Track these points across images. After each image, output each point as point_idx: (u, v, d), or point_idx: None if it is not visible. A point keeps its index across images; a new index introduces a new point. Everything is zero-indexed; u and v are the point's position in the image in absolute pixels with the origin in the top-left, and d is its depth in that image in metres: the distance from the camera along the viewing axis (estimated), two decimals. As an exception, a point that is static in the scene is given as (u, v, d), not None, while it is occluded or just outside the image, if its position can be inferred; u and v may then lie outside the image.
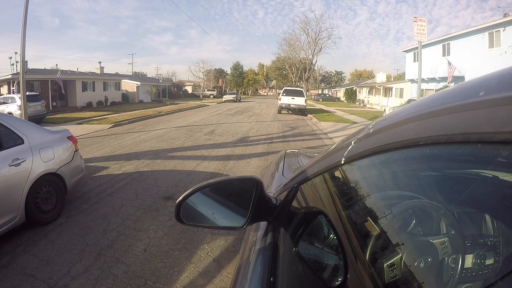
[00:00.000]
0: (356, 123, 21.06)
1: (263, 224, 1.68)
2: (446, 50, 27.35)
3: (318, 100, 59.00)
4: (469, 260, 0.71)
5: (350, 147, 1.19)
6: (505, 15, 22.47)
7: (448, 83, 22.78)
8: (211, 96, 64.77)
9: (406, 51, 35.05)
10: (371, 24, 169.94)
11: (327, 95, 70.04)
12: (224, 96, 52.40)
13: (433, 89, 28.76)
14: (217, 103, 43.44)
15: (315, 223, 1.36)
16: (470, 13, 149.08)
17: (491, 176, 0.70)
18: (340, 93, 71.13)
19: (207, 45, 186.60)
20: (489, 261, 0.67)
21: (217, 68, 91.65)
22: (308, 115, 25.67)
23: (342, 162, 1.18)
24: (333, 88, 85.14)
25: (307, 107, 27.61)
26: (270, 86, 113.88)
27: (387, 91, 42.51)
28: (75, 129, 14.40)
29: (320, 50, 60.84)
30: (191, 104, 38.43)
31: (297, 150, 3.65)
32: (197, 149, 10.40)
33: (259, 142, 12.26)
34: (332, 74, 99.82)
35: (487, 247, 0.70)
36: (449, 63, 20.07)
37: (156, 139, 12.28)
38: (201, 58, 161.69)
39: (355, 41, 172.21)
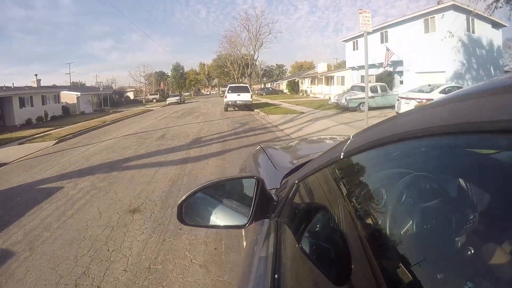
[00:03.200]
0: (303, 113, 21.60)
1: (265, 222, 1.67)
2: (384, 37, 29.46)
3: (262, 95, 59.31)
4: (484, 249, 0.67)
5: (349, 141, 1.20)
6: (438, 3, 24.52)
7: (384, 67, 24.06)
8: (154, 100, 63.19)
9: (346, 41, 37.18)
10: (311, 17, 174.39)
11: (270, 89, 70.66)
12: (167, 99, 51.27)
13: (373, 75, 30.42)
14: (161, 107, 42.45)
15: (317, 218, 1.36)
16: (405, 3, 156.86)
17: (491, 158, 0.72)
18: (283, 86, 72.21)
19: (147, 48, 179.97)
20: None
21: (158, 71, 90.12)
22: (255, 110, 25.93)
23: (342, 157, 1.18)
24: (275, 82, 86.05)
25: (252, 102, 27.87)
26: (212, 84, 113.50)
27: (329, 80, 44.07)
28: (17, 150, 13.60)
29: (262, 45, 61.43)
30: (135, 110, 37.32)
31: (271, 144, 3.70)
32: (151, 156, 10.17)
33: (213, 142, 12.22)
34: (274, 68, 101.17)
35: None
36: (387, 49, 21.25)
37: (106, 150, 11.77)
38: (142, 62, 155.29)
39: (296, 35, 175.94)
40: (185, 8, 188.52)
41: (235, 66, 70.19)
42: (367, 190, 1.13)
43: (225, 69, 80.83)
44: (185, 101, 54.58)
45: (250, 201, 1.52)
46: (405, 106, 15.28)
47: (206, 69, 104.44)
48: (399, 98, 16.52)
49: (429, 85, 16.98)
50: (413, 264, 0.77)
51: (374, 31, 30.26)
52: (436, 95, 14.33)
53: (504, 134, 0.58)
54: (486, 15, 15.56)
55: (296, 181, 1.56)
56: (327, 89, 43.66)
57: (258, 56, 64.69)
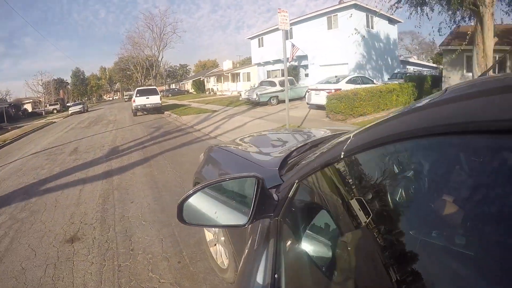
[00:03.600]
0: (216, 111, 21.88)
1: (266, 221, 1.67)
2: (289, 34, 31.73)
3: (168, 96, 58.49)
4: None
5: (349, 141, 1.19)
6: (340, 2, 27.27)
7: (290, 61, 25.32)
8: (55, 111, 57.80)
9: (251, 38, 38.84)
10: (213, 16, 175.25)
11: (176, 89, 70.00)
12: (70, 108, 47.49)
13: (279, 69, 32.77)
14: (64, 118, 39.08)
15: (317, 218, 1.37)
16: (304, 1, 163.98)
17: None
18: (188, 86, 71.80)
19: (44, 53, 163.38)
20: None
21: (57, 78, 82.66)
22: (166, 112, 25.60)
23: (342, 156, 1.17)
24: (180, 82, 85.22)
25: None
26: (115, 89, 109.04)
27: (235, 77, 44.87)
28: None
29: (166, 45, 60.72)
30: (37, 124, 33.76)
31: (223, 145, 3.66)
32: (70, 173, 9.31)
33: (132, 150, 11.77)
34: (177, 68, 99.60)
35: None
36: (293, 45, 22.30)
37: (16, 174, 10.30)
38: (39, 69, 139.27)
39: (198, 34, 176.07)
40: (83, 8, 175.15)
41: (138, 68, 68.26)
42: (367, 189, 1.14)
43: (128, 72, 78.15)
44: (89, 109, 51.57)
45: (250, 200, 1.53)
46: (315, 97, 16.24)
47: (107, 73, 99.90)
48: (308, 90, 17.43)
49: (336, 76, 18.15)
50: (415, 262, 0.81)
51: (278, 29, 32.44)
52: (343, 85, 15.49)
53: (507, 134, 0.60)
54: (388, 15, 17.28)
55: (296, 181, 1.56)
56: (233, 86, 44.52)
57: (162, 57, 63.80)
